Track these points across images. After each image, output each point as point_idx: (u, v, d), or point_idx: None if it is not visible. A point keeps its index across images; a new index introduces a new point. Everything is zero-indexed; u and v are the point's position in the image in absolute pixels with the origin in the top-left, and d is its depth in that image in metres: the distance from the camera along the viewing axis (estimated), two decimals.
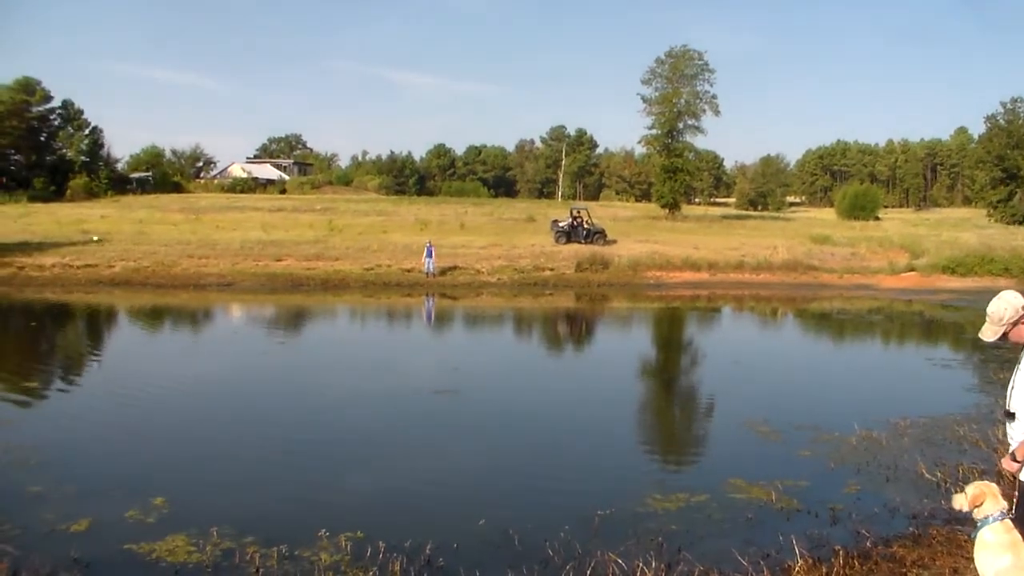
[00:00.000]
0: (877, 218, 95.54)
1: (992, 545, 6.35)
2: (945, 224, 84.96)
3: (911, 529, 10.86)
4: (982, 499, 6.46)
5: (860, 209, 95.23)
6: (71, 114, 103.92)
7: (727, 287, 46.89)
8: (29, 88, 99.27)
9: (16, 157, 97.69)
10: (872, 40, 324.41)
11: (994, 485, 6.62)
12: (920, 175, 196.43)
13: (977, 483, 6.55)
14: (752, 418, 17.18)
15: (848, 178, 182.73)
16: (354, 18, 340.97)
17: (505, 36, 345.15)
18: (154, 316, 34.62)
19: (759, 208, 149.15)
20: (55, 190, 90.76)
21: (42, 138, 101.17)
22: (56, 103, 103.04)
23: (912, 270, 51.17)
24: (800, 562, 9.54)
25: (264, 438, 15.73)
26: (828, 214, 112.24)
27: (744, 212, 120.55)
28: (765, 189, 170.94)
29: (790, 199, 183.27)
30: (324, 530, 10.59)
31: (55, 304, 35.84)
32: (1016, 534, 6.28)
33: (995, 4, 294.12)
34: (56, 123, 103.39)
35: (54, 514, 11.22)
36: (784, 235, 64.85)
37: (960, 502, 6.58)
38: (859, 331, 34.75)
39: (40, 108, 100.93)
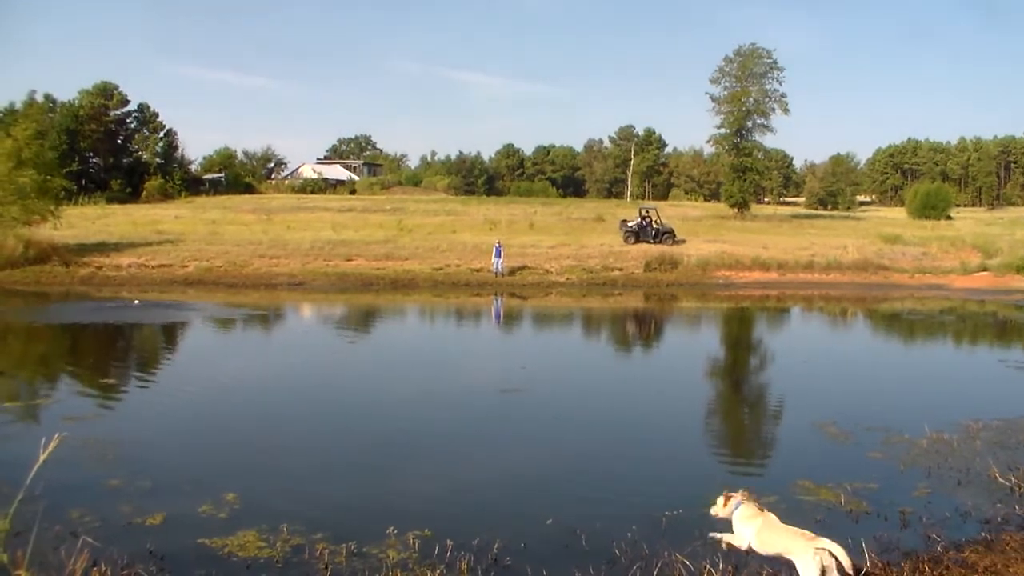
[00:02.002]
0: (949, 217, 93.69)
1: (744, 517, 8.98)
2: (1020, 223, 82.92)
3: (983, 534, 10.76)
4: (727, 499, 9.23)
5: (931, 208, 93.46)
6: (147, 117, 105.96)
7: (797, 287, 46.50)
8: (107, 92, 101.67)
9: (95, 160, 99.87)
10: (943, 37, 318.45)
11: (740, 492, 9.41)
12: (993, 173, 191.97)
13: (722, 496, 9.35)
14: (821, 419, 17.10)
15: (919, 177, 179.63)
16: (419, 19, 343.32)
17: (572, 36, 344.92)
18: (226, 315, 35.02)
19: (829, 207, 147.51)
20: (131, 191, 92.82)
21: (119, 141, 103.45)
22: (132, 107, 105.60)
23: (985, 270, 50.32)
24: (869, 566, 9.50)
25: (333, 436, 15.96)
26: (899, 213, 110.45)
27: (814, 211, 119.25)
28: (835, 188, 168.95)
29: (860, 198, 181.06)
30: (392, 527, 10.73)
31: (130, 304, 36.39)
32: (759, 508, 9.10)
33: None
34: (132, 126, 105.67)
35: (131, 507, 11.53)
36: (854, 235, 64.08)
37: (716, 510, 9.35)
38: (930, 332, 34.26)
39: (118, 112, 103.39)
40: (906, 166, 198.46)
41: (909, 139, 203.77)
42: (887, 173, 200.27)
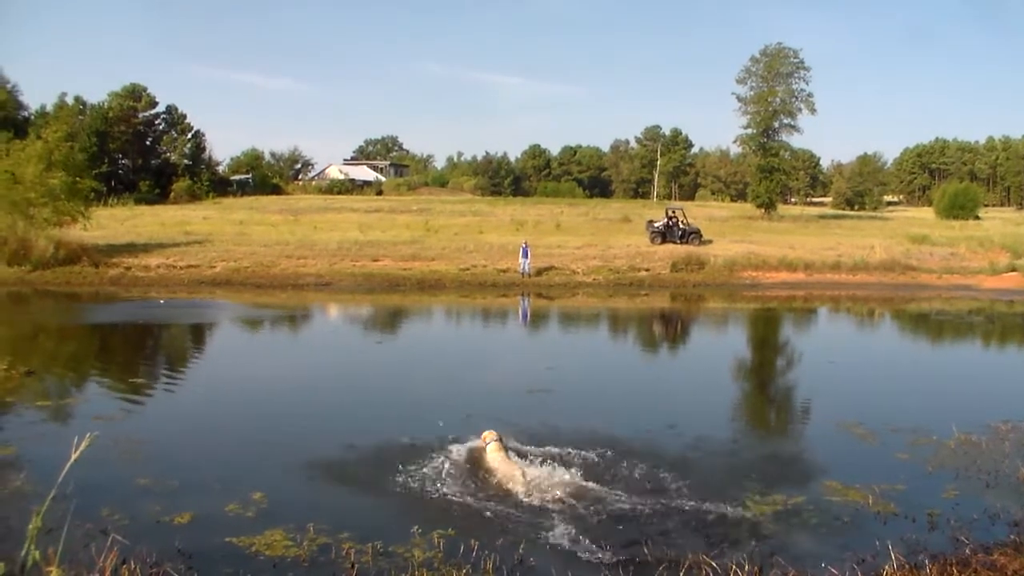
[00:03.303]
0: (977, 217, 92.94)
1: (492, 451, 13.72)
2: None
3: (1012, 537, 10.70)
4: (488, 437, 14.05)
5: (959, 208, 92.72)
6: (175, 119, 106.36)
7: (823, 287, 46.21)
8: (136, 94, 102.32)
9: (124, 161, 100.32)
10: (971, 36, 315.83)
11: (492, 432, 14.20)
12: (1022, 173, 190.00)
13: (487, 432, 14.23)
14: (848, 419, 17.07)
15: (947, 176, 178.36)
16: (445, 21, 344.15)
17: (597, 37, 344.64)
18: (254, 315, 35.14)
19: (856, 207, 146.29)
20: (159, 193, 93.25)
21: (148, 142, 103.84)
22: (161, 108, 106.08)
23: (1014, 270, 49.76)
24: (896, 568, 9.46)
25: (359, 436, 15.92)
26: (926, 213, 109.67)
27: (841, 211, 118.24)
28: (862, 188, 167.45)
29: (888, 198, 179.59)
30: (417, 527, 10.80)
31: (158, 304, 36.55)
32: (503, 450, 13.78)
33: None
34: (161, 128, 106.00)
35: (160, 506, 11.67)
36: (881, 235, 63.62)
37: (478, 442, 14.13)
38: (958, 332, 34.00)
39: (146, 114, 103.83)
40: (934, 166, 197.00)
41: (937, 139, 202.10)
42: (915, 173, 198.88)
